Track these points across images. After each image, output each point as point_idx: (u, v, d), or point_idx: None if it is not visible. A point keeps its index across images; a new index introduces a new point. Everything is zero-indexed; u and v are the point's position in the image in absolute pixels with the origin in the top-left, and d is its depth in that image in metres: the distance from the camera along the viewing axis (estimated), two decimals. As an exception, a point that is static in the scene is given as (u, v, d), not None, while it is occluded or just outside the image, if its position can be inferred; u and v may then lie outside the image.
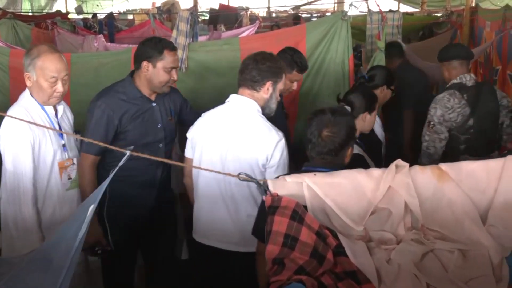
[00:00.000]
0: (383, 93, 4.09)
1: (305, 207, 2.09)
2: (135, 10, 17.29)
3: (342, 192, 2.12)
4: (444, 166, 2.20)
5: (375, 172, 2.17)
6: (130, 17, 15.40)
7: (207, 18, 12.70)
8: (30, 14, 14.69)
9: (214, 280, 3.23)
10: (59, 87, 3.04)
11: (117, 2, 19.37)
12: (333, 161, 2.56)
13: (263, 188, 2.06)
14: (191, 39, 4.68)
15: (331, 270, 2.02)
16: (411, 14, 11.78)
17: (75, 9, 15.55)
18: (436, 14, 10.45)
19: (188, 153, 3.25)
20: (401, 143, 5.21)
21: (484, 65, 6.71)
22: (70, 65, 3.28)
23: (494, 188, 2.16)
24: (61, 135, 3.14)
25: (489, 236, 2.09)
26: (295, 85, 3.78)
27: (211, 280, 3.25)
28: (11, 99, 3.97)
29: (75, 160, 3.22)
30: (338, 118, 2.59)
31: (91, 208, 1.76)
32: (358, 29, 7.21)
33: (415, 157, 4.42)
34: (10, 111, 3.01)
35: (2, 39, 6.72)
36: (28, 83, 3.06)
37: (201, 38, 6.65)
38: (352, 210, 2.11)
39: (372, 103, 3.56)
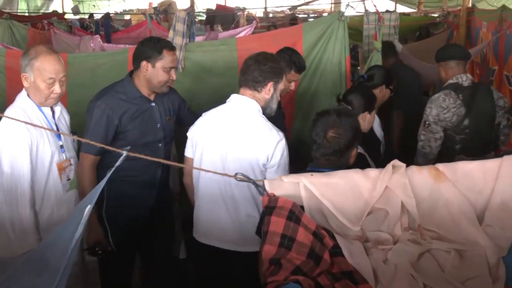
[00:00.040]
0: (382, 93, 4.11)
1: (302, 207, 2.08)
2: (132, 10, 17.28)
3: (339, 192, 2.12)
4: (441, 166, 2.20)
5: (372, 172, 2.17)
6: (127, 17, 15.39)
7: (204, 18, 12.69)
8: (27, 14, 14.68)
9: (214, 280, 3.23)
10: (57, 88, 3.02)
11: (113, 2, 19.34)
12: (338, 162, 2.58)
13: (260, 188, 2.06)
14: (188, 40, 4.68)
15: (328, 270, 2.02)
16: (408, 14, 11.81)
17: (72, 9, 15.50)
18: (432, 15, 10.48)
19: (188, 152, 3.25)
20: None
21: (481, 65, 6.72)
22: (66, 66, 3.26)
23: (491, 188, 2.17)
24: (58, 136, 3.13)
25: (486, 236, 2.09)
26: (293, 85, 3.78)
27: (211, 280, 3.26)
28: (8, 100, 3.96)
29: (72, 161, 3.22)
30: (344, 119, 2.61)
31: (88, 209, 1.76)
32: (355, 29, 7.22)
33: (406, 157, 4.44)
34: (7, 112, 3.00)
35: (-2, 40, 6.72)
36: (25, 84, 3.04)
37: (198, 39, 6.65)
38: (349, 210, 2.11)
39: (372, 103, 3.58)
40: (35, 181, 3.01)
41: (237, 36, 7.49)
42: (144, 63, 3.32)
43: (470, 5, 8.00)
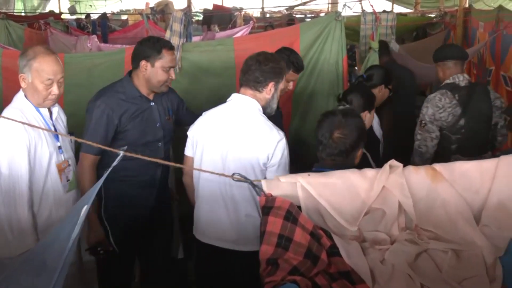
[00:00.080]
0: (381, 92, 4.15)
1: (299, 207, 2.08)
2: (129, 10, 17.27)
3: (336, 192, 2.12)
4: (438, 166, 2.20)
5: (369, 172, 2.17)
6: (124, 17, 15.38)
7: (201, 18, 12.68)
8: (23, 14, 14.65)
9: (214, 279, 3.25)
10: (55, 89, 3.00)
11: (110, 2, 19.32)
12: (343, 163, 2.59)
13: (257, 188, 2.06)
14: (185, 40, 4.68)
15: (325, 270, 2.02)
16: (405, 14, 11.80)
17: (68, 9, 15.50)
18: (429, 15, 10.48)
19: (188, 151, 3.25)
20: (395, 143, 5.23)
21: (478, 65, 6.73)
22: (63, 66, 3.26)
23: (488, 188, 2.17)
24: (56, 137, 3.11)
25: (483, 236, 2.09)
26: (291, 85, 3.78)
27: (212, 279, 3.27)
28: (4, 100, 3.95)
29: (70, 162, 3.21)
30: (349, 119, 2.63)
31: (85, 209, 1.76)
32: (352, 29, 7.22)
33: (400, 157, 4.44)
34: (5, 113, 2.98)
35: (-6, 40, 6.71)
36: (23, 84, 3.02)
37: (195, 39, 6.65)
38: (346, 210, 2.11)
39: (371, 102, 3.62)
40: (33, 182, 2.99)
41: (234, 36, 7.50)
42: (143, 62, 3.31)
43: (467, 5, 8.01)
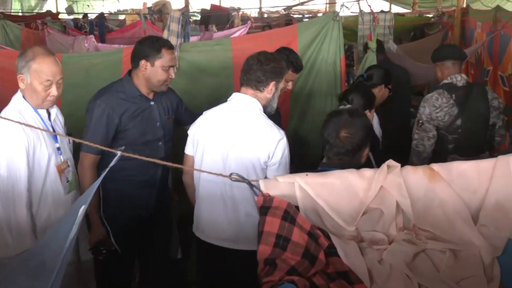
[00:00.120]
0: (381, 92, 4.17)
1: (297, 207, 2.08)
2: (126, 10, 17.26)
3: (334, 192, 2.12)
4: (435, 166, 2.20)
5: (367, 172, 2.17)
6: (121, 17, 15.37)
7: (198, 18, 12.69)
8: (20, 14, 14.63)
9: (215, 277, 3.26)
10: (53, 91, 2.98)
11: (108, 2, 19.30)
12: (350, 162, 2.60)
13: (255, 188, 2.06)
14: (182, 40, 4.67)
15: (323, 270, 2.02)
16: (403, 15, 11.83)
17: (66, 9, 15.46)
18: (427, 15, 10.51)
19: (188, 150, 3.25)
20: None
21: (475, 66, 6.74)
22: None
23: (486, 188, 2.17)
24: (55, 138, 3.10)
25: (481, 236, 2.10)
26: (290, 85, 3.79)
27: (212, 277, 3.29)
28: (1, 101, 3.93)
29: (69, 163, 3.19)
30: (356, 119, 2.65)
31: (82, 209, 1.75)
32: (349, 29, 7.23)
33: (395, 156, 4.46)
34: (3, 115, 2.96)
35: (-9, 40, 6.70)
36: (21, 85, 3.00)
37: (193, 39, 6.64)
38: (344, 210, 2.11)
39: (371, 102, 3.65)
40: (32, 183, 2.97)
41: (231, 36, 7.50)
42: (143, 62, 3.31)
43: (464, 5, 8.04)
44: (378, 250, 2.08)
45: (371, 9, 5.47)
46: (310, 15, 14.02)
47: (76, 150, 3.32)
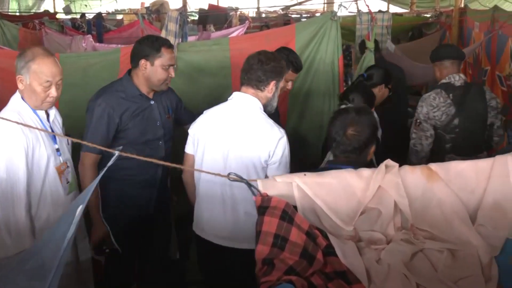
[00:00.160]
0: (381, 92, 4.20)
1: (295, 207, 2.08)
2: (124, 10, 17.25)
3: (332, 192, 2.12)
4: (433, 166, 2.20)
5: (365, 172, 2.17)
6: (119, 17, 15.37)
7: (196, 18, 12.68)
8: (18, 14, 14.61)
9: (215, 276, 3.29)
10: (53, 92, 2.95)
11: (105, 2, 19.25)
12: (357, 159, 2.63)
13: (253, 188, 2.05)
14: (180, 39, 4.67)
15: (321, 270, 2.02)
16: (401, 14, 11.83)
17: (63, 9, 15.47)
18: (425, 15, 10.52)
19: (189, 149, 3.25)
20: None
21: (473, 65, 6.75)
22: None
23: (483, 188, 2.17)
24: (54, 140, 3.07)
25: (478, 235, 2.09)
26: (289, 85, 3.80)
27: (212, 275, 3.32)
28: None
29: (69, 163, 3.17)
30: (362, 117, 2.66)
31: (80, 209, 1.75)
32: (347, 29, 7.24)
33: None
34: (1, 116, 2.95)
35: (-11, 40, 6.69)
36: (20, 86, 2.97)
37: (191, 38, 6.65)
38: (342, 210, 2.11)
39: (371, 101, 3.70)
40: (31, 184, 2.95)
41: (229, 36, 7.48)
42: (142, 61, 3.31)
43: (462, 5, 8.03)
44: (376, 250, 2.08)
45: (369, 9, 5.48)
46: (308, 15, 14.03)
47: (75, 150, 3.31)
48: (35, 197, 2.99)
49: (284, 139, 3.01)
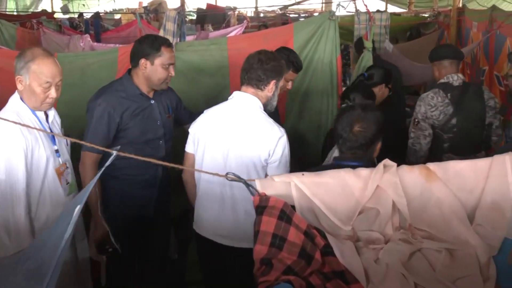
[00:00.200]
0: (381, 91, 4.24)
1: (293, 207, 2.08)
2: (122, 9, 17.21)
3: (330, 192, 2.11)
4: (431, 165, 2.20)
5: (363, 171, 2.17)
6: (117, 16, 15.35)
7: (194, 17, 12.67)
8: (15, 13, 14.58)
9: (215, 274, 3.31)
10: (53, 93, 2.94)
11: (103, 1, 19.23)
12: (363, 156, 2.65)
13: (251, 188, 2.05)
14: (178, 39, 4.67)
15: (319, 270, 2.01)
16: (399, 14, 11.85)
17: (61, 8, 15.46)
18: (423, 15, 10.52)
19: (189, 148, 3.26)
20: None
21: (471, 65, 6.76)
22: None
23: (482, 188, 2.17)
24: (53, 141, 3.06)
25: (477, 235, 2.09)
26: (289, 85, 3.82)
27: (212, 274, 3.35)
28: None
29: (68, 164, 3.16)
30: (368, 113, 2.68)
31: (77, 209, 1.74)
32: (346, 29, 7.24)
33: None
34: (0, 117, 2.93)
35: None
36: (19, 86, 2.95)
37: (189, 38, 6.64)
38: (340, 210, 2.10)
39: (371, 100, 3.69)
40: (30, 186, 2.93)
41: (227, 36, 7.49)
42: (142, 61, 3.31)
43: (460, 5, 8.03)
44: (374, 249, 2.08)
45: (367, 9, 5.49)
46: (306, 15, 14.03)
47: (74, 150, 3.31)
48: (34, 198, 2.98)
49: (284, 138, 3.03)
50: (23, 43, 7.62)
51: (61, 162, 3.09)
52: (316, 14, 12.96)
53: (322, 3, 13.35)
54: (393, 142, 4.29)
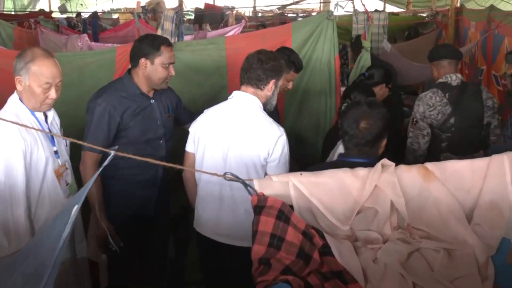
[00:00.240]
0: (381, 91, 4.27)
1: (292, 207, 2.08)
2: (120, 9, 17.19)
3: (328, 191, 2.12)
4: (429, 165, 2.20)
5: (361, 171, 2.17)
6: (115, 16, 15.34)
7: (192, 17, 12.66)
8: (13, 13, 14.56)
9: (215, 272, 3.33)
10: (52, 94, 2.92)
11: (101, 1, 19.20)
12: (369, 152, 2.67)
13: (249, 188, 2.05)
14: (176, 39, 4.66)
15: (318, 270, 2.01)
16: (397, 14, 11.87)
17: (59, 8, 15.41)
18: (421, 14, 10.53)
19: (189, 147, 3.27)
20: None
21: (469, 65, 6.76)
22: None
23: (480, 188, 2.17)
24: (52, 142, 3.04)
25: (475, 235, 2.10)
26: (290, 85, 3.84)
27: (213, 272, 3.36)
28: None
29: (67, 165, 3.14)
30: (374, 110, 2.70)
31: (75, 209, 1.74)
32: (344, 29, 7.24)
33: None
34: None
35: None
36: (18, 87, 2.92)
37: (187, 38, 6.64)
38: (338, 209, 2.11)
39: None
40: (29, 187, 2.91)
41: (225, 35, 7.48)
42: (142, 60, 3.32)
43: (458, 5, 8.05)
44: (373, 249, 2.08)
45: (365, 8, 5.49)
46: (304, 14, 14.03)
47: (73, 150, 3.29)
48: (33, 200, 2.96)
49: (283, 137, 3.04)
50: (20, 42, 7.61)
51: (60, 163, 3.07)
52: (314, 13, 12.94)
53: (320, 2, 13.36)
54: (393, 142, 4.32)
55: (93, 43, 8.30)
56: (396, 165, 2.18)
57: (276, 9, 14.78)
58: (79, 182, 3.27)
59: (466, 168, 2.20)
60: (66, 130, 3.36)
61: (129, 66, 3.46)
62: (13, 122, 2.59)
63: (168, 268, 4.01)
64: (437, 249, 2.07)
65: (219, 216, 3.14)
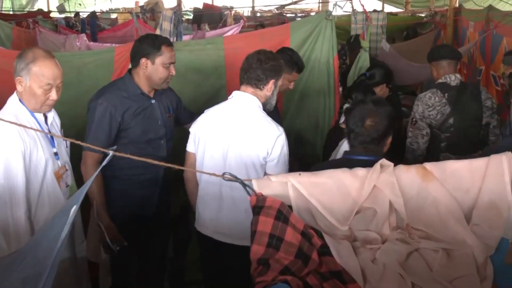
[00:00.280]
0: (382, 91, 4.29)
1: (290, 207, 2.08)
2: (118, 9, 17.19)
3: (327, 191, 2.11)
4: (428, 165, 2.20)
5: (360, 171, 2.17)
6: (113, 16, 15.33)
7: (191, 17, 12.67)
8: (11, 13, 14.55)
9: (216, 272, 3.34)
10: (53, 95, 2.90)
11: (99, 1, 19.23)
12: (374, 150, 2.69)
13: (248, 188, 2.05)
14: (174, 38, 4.66)
15: (316, 270, 2.01)
16: (395, 14, 11.87)
17: (57, 7, 15.41)
18: (420, 15, 10.54)
19: (190, 147, 3.28)
20: None
21: (468, 65, 6.76)
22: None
23: (478, 188, 2.17)
24: (52, 143, 3.02)
25: (474, 235, 2.09)
26: (291, 85, 3.85)
27: (213, 272, 3.37)
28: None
29: (67, 166, 3.13)
30: (380, 108, 2.71)
31: (74, 209, 1.73)
32: (342, 29, 7.24)
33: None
34: None
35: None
36: (19, 88, 2.90)
37: (185, 38, 6.64)
38: (337, 209, 2.10)
39: None
40: (29, 189, 2.90)
41: (224, 35, 7.47)
42: (143, 60, 3.31)
43: (457, 5, 8.06)
44: (372, 249, 2.08)
45: (364, 8, 5.49)
46: (303, 14, 14.03)
47: (72, 150, 3.28)
48: (33, 202, 2.94)
49: (283, 136, 3.05)
50: (19, 42, 7.61)
51: (60, 165, 3.05)
52: (313, 13, 12.95)
53: (319, 2, 13.38)
54: (392, 142, 4.32)
55: (91, 43, 8.30)
56: (395, 165, 2.17)
57: (275, 9, 14.79)
58: (80, 182, 3.26)
59: (465, 168, 2.20)
60: (65, 130, 3.35)
61: (128, 66, 3.46)
62: (12, 123, 2.58)
63: (168, 268, 4.01)
64: (436, 249, 2.07)
65: (219, 215, 3.15)
